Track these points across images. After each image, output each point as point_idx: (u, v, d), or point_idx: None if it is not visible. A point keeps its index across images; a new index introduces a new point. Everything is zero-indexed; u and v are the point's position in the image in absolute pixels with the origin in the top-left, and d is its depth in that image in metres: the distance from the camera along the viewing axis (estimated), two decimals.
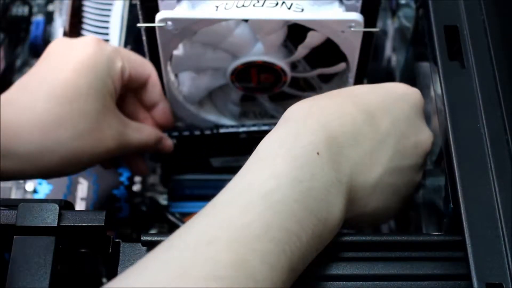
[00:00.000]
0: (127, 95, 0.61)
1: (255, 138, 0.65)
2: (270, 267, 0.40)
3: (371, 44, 0.58)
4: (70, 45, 0.57)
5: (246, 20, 0.57)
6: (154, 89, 0.62)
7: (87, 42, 0.57)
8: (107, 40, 0.70)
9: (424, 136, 0.52)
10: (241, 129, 0.65)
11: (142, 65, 0.60)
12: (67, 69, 0.55)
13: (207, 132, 0.65)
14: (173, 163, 0.69)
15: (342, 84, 0.62)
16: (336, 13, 0.55)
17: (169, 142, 0.64)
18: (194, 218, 0.42)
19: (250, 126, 0.65)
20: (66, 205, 0.46)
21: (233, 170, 0.59)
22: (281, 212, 0.42)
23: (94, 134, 0.56)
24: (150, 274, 0.39)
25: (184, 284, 0.38)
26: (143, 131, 0.61)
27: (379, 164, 0.48)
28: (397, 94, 0.52)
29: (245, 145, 0.65)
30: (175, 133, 0.65)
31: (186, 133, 0.65)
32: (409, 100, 0.52)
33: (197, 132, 0.65)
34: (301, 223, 0.42)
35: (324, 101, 0.49)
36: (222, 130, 0.65)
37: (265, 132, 0.64)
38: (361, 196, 0.48)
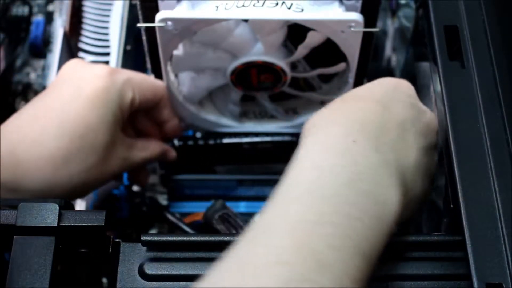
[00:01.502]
0: (136, 113, 0.61)
1: (258, 148, 0.65)
2: (337, 250, 0.40)
3: (371, 44, 0.58)
4: (82, 74, 0.57)
5: (246, 20, 0.57)
6: (164, 110, 0.62)
7: (98, 74, 0.56)
8: (106, 40, 0.70)
9: (429, 115, 0.52)
10: (244, 140, 0.65)
11: (153, 91, 0.60)
12: (78, 103, 0.55)
13: (211, 142, 0.66)
14: (175, 170, 0.69)
15: (342, 84, 0.62)
16: (336, 13, 0.55)
17: (172, 154, 0.65)
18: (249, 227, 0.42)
19: (253, 137, 0.66)
20: (66, 205, 0.46)
21: None
22: (331, 197, 0.42)
23: (102, 166, 0.56)
24: (213, 277, 0.39)
25: (247, 273, 0.38)
26: (148, 149, 0.61)
27: (411, 146, 0.48)
28: (392, 85, 0.52)
29: (248, 155, 0.66)
30: (180, 143, 0.66)
31: (190, 142, 0.66)
32: (403, 88, 0.52)
33: (200, 142, 0.66)
34: (358, 207, 0.42)
35: (336, 104, 0.50)
36: (225, 141, 0.66)
37: (268, 143, 0.66)
38: (408, 180, 0.47)
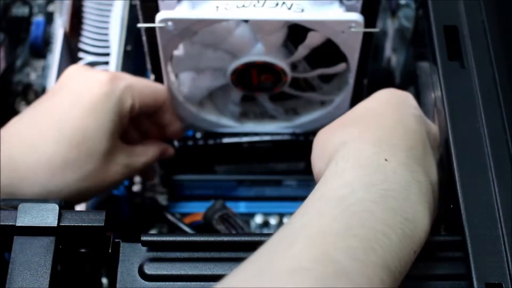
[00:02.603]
0: (138, 116, 0.61)
1: (257, 148, 0.65)
2: (361, 263, 0.39)
3: (371, 44, 0.58)
4: (83, 80, 0.57)
5: (246, 21, 0.57)
6: (166, 114, 0.62)
7: (100, 81, 0.56)
8: (107, 41, 0.70)
9: (434, 128, 0.52)
10: (244, 139, 0.65)
11: (154, 97, 0.60)
12: (77, 110, 0.55)
13: (210, 142, 0.66)
14: (176, 170, 0.69)
15: (342, 84, 0.62)
16: (336, 13, 0.55)
17: (170, 151, 0.65)
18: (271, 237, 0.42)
19: (253, 136, 0.66)
20: (66, 205, 0.46)
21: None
22: (359, 212, 0.42)
23: (100, 174, 0.56)
24: (231, 280, 0.39)
25: (264, 279, 0.38)
26: (148, 153, 0.61)
27: (432, 162, 0.49)
28: (402, 98, 0.52)
29: (248, 154, 0.66)
30: (180, 143, 0.66)
31: (190, 142, 0.66)
32: (411, 101, 0.52)
33: (200, 142, 0.66)
34: (386, 222, 0.42)
35: (361, 121, 0.49)
36: (225, 140, 0.66)
37: (268, 142, 0.66)
38: (434, 197, 0.47)
